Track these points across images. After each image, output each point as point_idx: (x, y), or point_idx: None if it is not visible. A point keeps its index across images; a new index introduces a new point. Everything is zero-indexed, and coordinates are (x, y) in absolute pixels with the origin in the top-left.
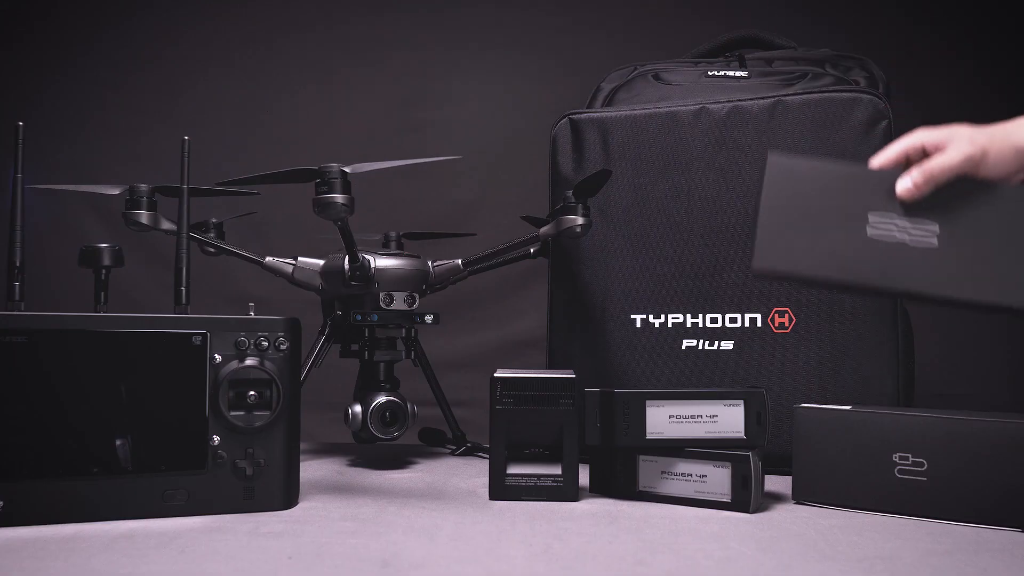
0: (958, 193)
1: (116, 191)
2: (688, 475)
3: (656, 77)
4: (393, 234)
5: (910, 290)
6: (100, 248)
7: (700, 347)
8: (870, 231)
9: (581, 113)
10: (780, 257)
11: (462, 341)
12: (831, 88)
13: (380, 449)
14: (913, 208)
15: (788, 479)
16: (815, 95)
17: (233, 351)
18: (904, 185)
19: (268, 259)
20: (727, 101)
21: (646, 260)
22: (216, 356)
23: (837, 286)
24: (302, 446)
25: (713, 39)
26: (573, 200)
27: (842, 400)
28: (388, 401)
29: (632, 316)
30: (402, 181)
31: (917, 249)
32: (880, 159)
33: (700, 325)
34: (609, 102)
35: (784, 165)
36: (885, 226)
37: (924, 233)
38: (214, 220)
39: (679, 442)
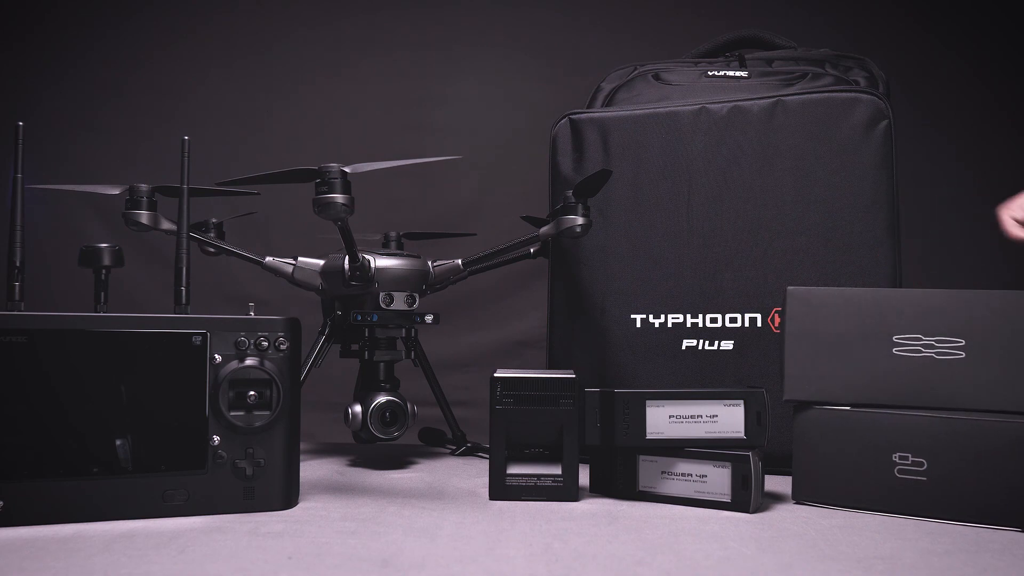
0: (983, 307)
1: (116, 191)
2: (688, 475)
3: (656, 77)
4: (393, 234)
5: (941, 404)
6: (100, 248)
7: (700, 347)
8: (896, 352)
9: (581, 113)
10: (809, 386)
11: (462, 341)
12: (831, 88)
13: (380, 449)
14: (938, 326)
15: (788, 479)
16: (815, 95)
17: (233, 351)
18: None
19: (268, 259)
20: (727, 101)
21: (646, 260)
22: (216, 356)
23: (868, 408)
24: (302, 446)
25: (713, 39)
26: (573, 200)
27: None
28: (388, 401)
29: (632, 316)
30: (402, 181)
31: (945, 363)
32: (1015, 232)
33: (700, 325)
34: (609, 102)
35: (803, 296)
36: (911, 345)
37: (951, 348)
38: (214, 220)
39: (679, 442)
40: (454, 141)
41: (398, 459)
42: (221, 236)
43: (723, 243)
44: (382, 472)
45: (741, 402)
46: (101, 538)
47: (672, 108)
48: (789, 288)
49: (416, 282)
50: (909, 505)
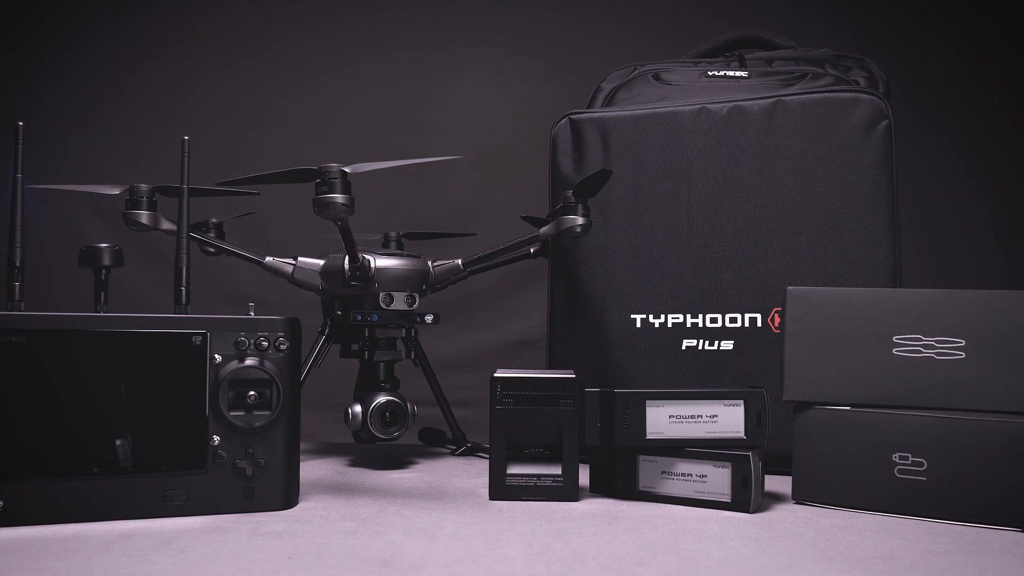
0: (983, 307)
1: (116, 191)
2: (688, 475)
3: (656, 77)
4: (393, 234)
5: (941, 404)
6: (100, 248)
7: (700, 347)
8: (896, 352)
9: (581, 113)
10: (809, 386)
11: (462, 341)
12: (831, 88)
13: (380, 449)
14: (938, 326)
15: (788, 479)
16: (815, 95)
17: (233, 351)
18: None
19: (268, 259)
20: (727, 101)
21: (646, 260)
22: (216, 356)
23: (868, 407)
24: (302, 446)
25: (713, 39)
26: (573, 200)
27: None
28: (388, 401)
29: (632, 316)
30: (402, 181)
31: (944, 363)
32: None
33: (700, 325)
34: (609, 102)
35: (803, 296)
36: (911, 345)
37: (951, 348)
38: (214, 220)
39: (679, 442)
40: (454, 141)
41: (398, 459)
42: (221, 236)
43: (723, 243)
44: (382, 472)
45: (741, 402)
46: (101, 538)
47: (672, 108)
48: (789, 288)
49: (416, 282)
50: (909, 505)
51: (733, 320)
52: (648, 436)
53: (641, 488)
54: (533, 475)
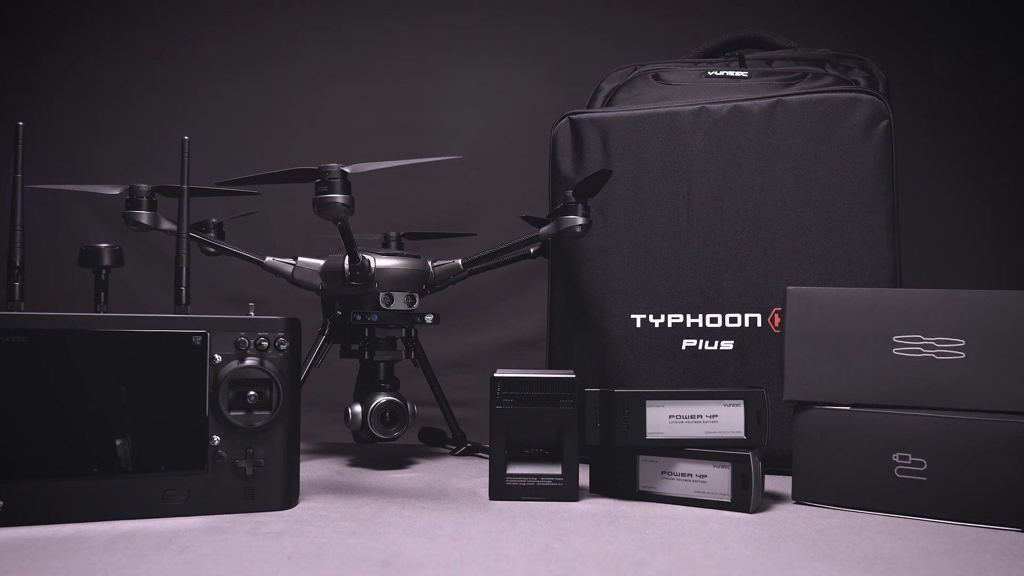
0: (983, 307)
1: (116, 191)
2: (688, 475)
3: (656, 77)
4: (393, 234)
5: (941, 404)
6: (100, 248)
7: (700, 347)
8: (896, 352)
9: (581, 113)
10: (809, 386)
11: (462, 341)
12: (831, 88)
13: (380, 449)
14: (938, 326)
15: (788, 479)
16: (815, 95)
17: (233, 351)
18: None
19: (268, 259)
20: (727, 101)
21: (646, 260)
22: (216, 356)
23: (868, 407)
24: (302, 446)
25: (713, 39)
26: (573, 200)
27: None
28: (388, 401)
29: (632, 316)
30: (402, 181)
31: (945, 363)
32: None
33: (700, 325)
34: (609, 102)
35: (803, 296)
36: (911, 345)
37: (950, 348)
38: (214, 220)
39: (679, 442)
40: (454, 141)
41: (398, 459)
42: (221, 236)
43: (723, 243)
44: (382, 472)
45: (741, 402)
46: (101, 538)
47: (672, 108)
48: (789, 288)
49: (416, 282)
50: (909, 505)
51: (733, 320)
52: (648, 436)
53: (641, 488)
54: (533, 475)
